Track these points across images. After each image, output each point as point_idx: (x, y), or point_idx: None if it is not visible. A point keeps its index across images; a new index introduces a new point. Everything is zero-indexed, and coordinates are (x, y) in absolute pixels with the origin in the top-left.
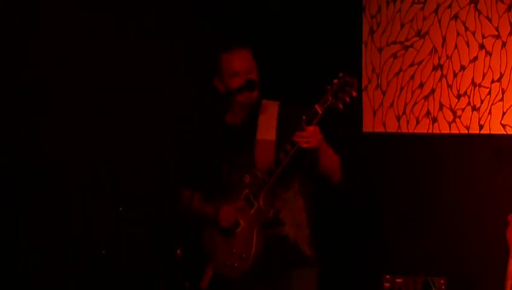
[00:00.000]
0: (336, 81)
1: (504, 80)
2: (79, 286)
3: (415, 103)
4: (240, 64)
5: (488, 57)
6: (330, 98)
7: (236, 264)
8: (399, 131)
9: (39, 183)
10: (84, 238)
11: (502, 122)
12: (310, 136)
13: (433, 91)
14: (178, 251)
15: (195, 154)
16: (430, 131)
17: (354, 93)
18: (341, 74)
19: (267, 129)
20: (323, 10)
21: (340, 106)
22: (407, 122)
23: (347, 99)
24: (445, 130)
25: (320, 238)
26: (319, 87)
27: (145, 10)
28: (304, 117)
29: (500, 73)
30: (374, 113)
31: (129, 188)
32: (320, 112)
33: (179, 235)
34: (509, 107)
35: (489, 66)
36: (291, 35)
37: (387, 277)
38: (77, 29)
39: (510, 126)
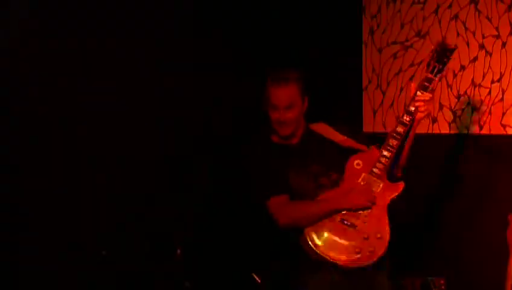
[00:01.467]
0: (433, 48)
1: (504, 80)
2: (79, 286)
3: None
4: (280, 100)
5: (488, 57)
6: (436, 64)
7: (373, 248)
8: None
9: (39, 183)
10: (84, 238)
11: (502, 122)
12: (429, 102)
13: (432, 91)
14: (178, 251)
15: (268, 169)
16: (430, 131)
17: (454, 53)
18: (438, 42)
19: (334, 135)
20: (323, 10)
21: (446, 68)
22: None
23: (448, 60)
24: (445, 131)
25: None
26: (320, 87)
27: None
28: (413, 85)
29: (500, 73)
30: (374, 113)
31: (129, 188)
32: (435, 77)
33: (179, 235)
34: (509, 107)
35: (490, 66)
36: (291, 35)
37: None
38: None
39: (510, 126)
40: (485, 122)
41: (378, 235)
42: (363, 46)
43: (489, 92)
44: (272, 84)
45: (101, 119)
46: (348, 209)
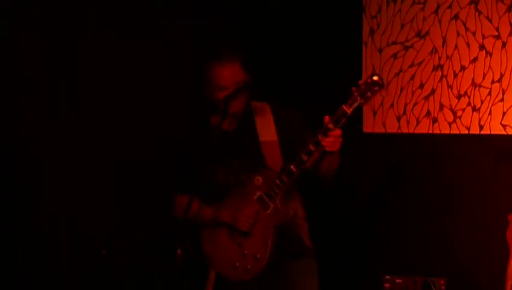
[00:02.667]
0: (361, 81)
1: (504, 81)
2: (79, 286)
3: (415, 103)
4: (225, 80)
5: (489, 57)
6: (359, 98)
7: (249, 266)
8: (399, 131)
9: (39, 183)
10: (84, 238)
11: (502, 122)
12: (337, 140)
13: (433, 91)
14: (178, 251)
15: (186, 159)
16: (430, 131)
17: (384, 93)
18: (369, 75)
19: (266, 130)
20: (323, 10)
21: (367, 105)
22: (408, 122)
23: (374, 98)
24: (445, 131)
25: (317, 234)
26: (320, 88)
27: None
28: (327, 117)
29: (501, 73)
30: (374, 113)
31: (129, 188)
32: (349, 112)
33: (179, 235)
34: (510, 107)
35: (490, 66)
36: (291, 36)
37: (387, 277)
38: (77, 28)
39: (510, 126)
40: (485, 123)
41: (258, 256)
42: (363, 46)
43: (490, 92)
44: (214, 65)
45: (101, 118)
46: (231, 227)
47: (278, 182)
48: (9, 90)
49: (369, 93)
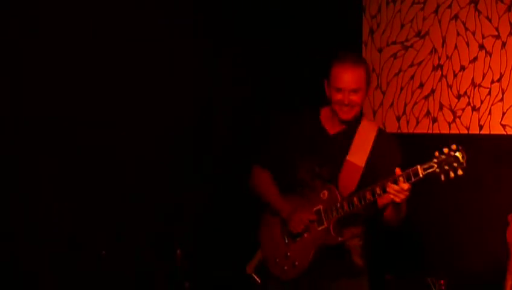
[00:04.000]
0: (446, 150)
1: (504, 80)
2: (79, 286)
3: (415, 103)
4: (347, 82)
5: (488, 57)
6: (436, 166)
7: (286, 268)
8: (399, 131)
9: (39, 183)
10: (84, 238)
11: (502, 122)
12: (402, 193)
13: (433, 91)
14: (178, 251)
15: (279, 140)
16: (430, 131)
17: (460, 172)
18: (454, 146)
19: (359, 153)
20: (323, 10)
21: (443, 177)
22: (407, 122)
23: (451, 174)
24: (445, 130)
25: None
26: (320, 88)
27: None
28: (399, 170)
29: (500, 73)
30: (374, 113)
31: (129, 188)
32: (421, 176)
33: (179, 235)
34: (509, 107)
35: (489, 66)
36: (292, 36)
37: (387, 277)
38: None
39: (510, 126)
40: (485, 123)
41: (296, 263)
42: (363, 46)
43: (489, 92)
44: (339, 65)
45: (101, 119)
46: (284, 221)
47: (338, 205)
48: (10, 90)
49: (446, 167)
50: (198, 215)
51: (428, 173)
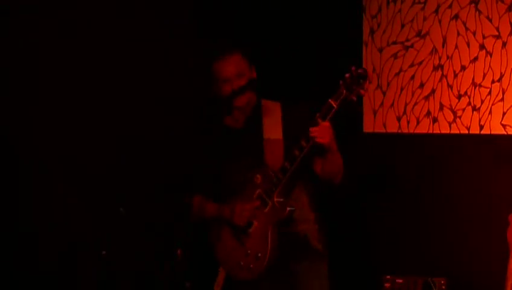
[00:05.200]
0: (348, 75)
1: (504, 80)
2: (79, 286)
3: (416, 103)
4: (227, 71)
5: (489, 57)
6: (344, 91)
7: (252, 265)
8: (399, 131)
9: (39, 183)
10: (84, 238)
11: (502, 122)
12: (325, 131)
13: (433, 91)
14: (178, 251)
15: (195, 157)
16: (430, 131)
17: (367, 84)
18: (353, 68)
19: (273, 129)
20: (323, 10)
21: (354, 98)
22: (408, 122)
23: (361, 91)
24: (445, 130)
25: (324, 234)
26: (320, 87)
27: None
28: (317, 113)
29: (501, 73)
30: (375, 113)
31: (129, 188)
32: (335, 106)
33: (179, 236)
34: (510, 107)
35: (490, 66)
36: (292, 36)
37: (388, 277)
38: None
39: (510, 126)
40: (485, 123)
41: (259, 255)
42: (364, 46)
43: (490, 92)
44: (216, 61)
45: (100, 118)
46: (230, 223)
47: (274, 179)
48: (10, 90)
49: (354, 86)
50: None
51: (341, 100)
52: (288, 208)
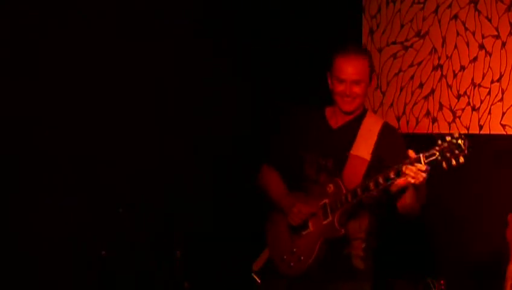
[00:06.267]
0: (448, 138)
1: (504, 80)
2: (79, 286)
3: (415, 103)
4: (348, 73)
5: (488, 57)
6: (437, 154)
7: (292, 264)
8: (399, 131)
9: (39, 183)
10: (84, 238)
11: (502, 122)
12: (421, 174)
13: (432, 91)
14: (178, 252)
15: (285, 138)
16: (429, 131)
17: (462, 160)
18: (456, 134)
19: (363, 146)
20: (323, 11)
21: (445, 165)
22: (407, 122)
23: (453, 162)
24: (445, 130)
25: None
26: (320, 88)
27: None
28: (415, 155)
29: (500, 73)
30: (374, 113)
31: (129, 188)
32: (437, 155)
33: (179, 236)
34: (509, 107)
35: (489, 66)
36: (291, 36)
37: (388, 278)
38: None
39: (510, 126)
40: (484, 123)
41: (302, 258)
42: (363, 46)
43: (489, 92)
44: (341, 56)
45: (101, 119)
46: (285, 215)
47: (343, 198)
48: (11, 90)
49: (448, 154)
50: (199, 215)
51: (431, 160)
52: (343, 231)
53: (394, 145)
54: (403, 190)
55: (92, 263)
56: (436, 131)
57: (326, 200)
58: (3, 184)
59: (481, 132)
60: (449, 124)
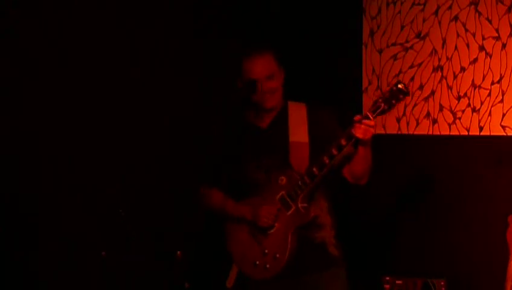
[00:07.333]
0: (388, 88)
1: (504, 82)
2: (79, 286)
3: (415, 105)
4: (257, 71)
5: (488, 58)
6: (382, 105)
7: (268, 265)
8: (399, 132)
9: (39, 183)
10: (84, 238)
11: (502, 123)
12: (370, 130)
13: (433, 93)
14: (178, 252)
15: (215, 153)
16: (430, 132)
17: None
18: (394, 83)
19: (298, 131)
20: (323, 11)
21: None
22: (407, 123)
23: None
24: (445, 132)
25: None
26: (320, 88)
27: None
28: (368, 112)
29: (500, 74)
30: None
31: (129, 188)
32: (371, 118)
33: (179, 236)
34: (509, 108)
35: (490, 67)
36: (291, 37)
37: (387, 278)
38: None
39: (510, 128)
40: (485, 124)
41: (277, 256)
42: (363, 47)
43: (489, 94)
44: (247, 59)
45: (101, 119)
46: (252, 224)
47: (300, 183)
48: (11, 90)
49: (393, 101)
50: (199, 216)
51: (379, 112)
52: (312, 214)
53: (326, 120)
54: (350, 156)
55: (92, 263)
56: (436, 132)
57: (282, 192)
58: (4, 184)
59: (481, 133)
60: (449, 125)
